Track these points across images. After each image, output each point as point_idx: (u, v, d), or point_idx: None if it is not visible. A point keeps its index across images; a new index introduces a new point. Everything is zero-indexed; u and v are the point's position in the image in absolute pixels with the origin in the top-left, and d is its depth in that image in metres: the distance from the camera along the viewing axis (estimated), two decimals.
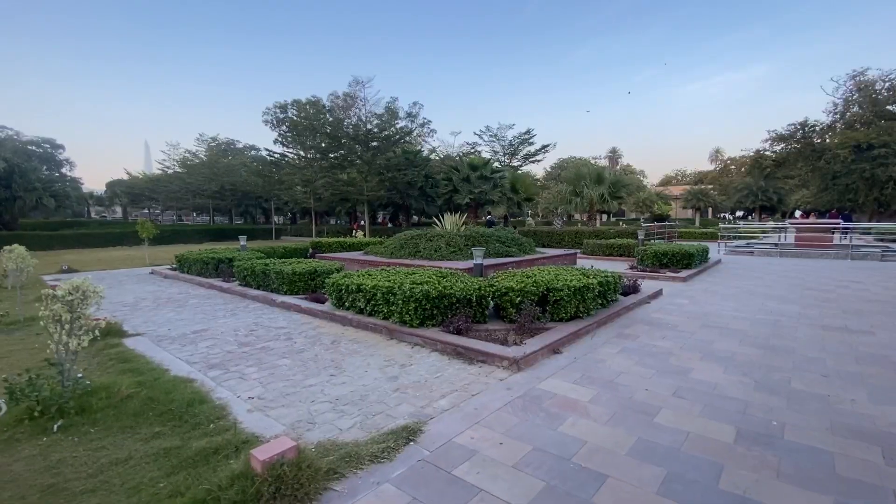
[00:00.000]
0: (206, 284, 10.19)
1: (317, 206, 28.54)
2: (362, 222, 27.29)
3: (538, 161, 35.82)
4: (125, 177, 52.88)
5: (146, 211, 60.71)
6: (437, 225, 13.96)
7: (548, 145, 34.31)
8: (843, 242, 17.41)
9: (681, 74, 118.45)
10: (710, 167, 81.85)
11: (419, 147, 32.66)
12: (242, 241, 13.25)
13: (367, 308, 6.30)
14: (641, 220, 46.68)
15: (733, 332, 5.88)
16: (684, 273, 10.81)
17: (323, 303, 7.33)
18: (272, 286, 8.57)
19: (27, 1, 78.19)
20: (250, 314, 7.34)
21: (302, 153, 26.96)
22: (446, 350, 5.09)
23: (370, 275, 6.79)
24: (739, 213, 58.77)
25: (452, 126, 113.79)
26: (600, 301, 6.54)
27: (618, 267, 12.45)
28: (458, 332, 5.34)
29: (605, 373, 4.39)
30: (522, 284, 5.83)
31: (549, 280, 6.06)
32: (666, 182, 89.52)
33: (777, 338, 5.58)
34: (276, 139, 26.01)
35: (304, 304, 7.40)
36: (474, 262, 7.19)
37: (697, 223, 46.12)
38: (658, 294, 8.53)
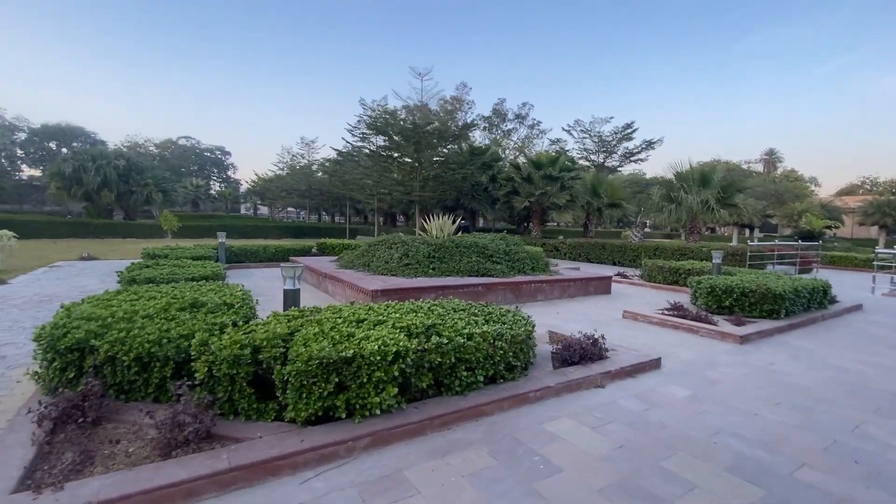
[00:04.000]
0: None
1: (380, 207, 27.74)
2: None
3: (640, 160, 29.80)
4: (255, 178, 60.04)
5: (278, 208, 68.52)
6: (420, 232, 11.26)
7: (653, 141, 28.17)
8: None
9: (878, 65, 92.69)
10: None
11: (490, 142, 29.64)
12: (221, 237, 12.30)
13: None
14: (795, 238, 36.30)
15: None
16: (752, 327, 6.40)
17: None
18: None
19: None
20: None
21: (367, 150, 26.19)
22: None
23: (119, 295, 4.61)
24: None
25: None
26: (408, 385, 3.37)
27: (660, 301, 8.33)
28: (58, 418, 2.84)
29: None
30: (215, 342, 3.06)
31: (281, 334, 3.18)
32: (848, 192, 70.49)
33: None
34: (345, 138, 25.74)
35: None
36: (284, 286, 4.51)
37: (882, 244, 34.11)
38: (648, 367, 4.72)
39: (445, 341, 3.44)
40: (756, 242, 15.81)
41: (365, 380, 3.02)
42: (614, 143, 30.03)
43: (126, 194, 27.76)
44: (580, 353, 4.52)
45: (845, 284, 12.97)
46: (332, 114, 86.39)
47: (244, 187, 75.40)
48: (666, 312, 7.19)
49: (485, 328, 3.75)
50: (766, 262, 14.34)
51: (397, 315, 3.93)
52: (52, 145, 54.19)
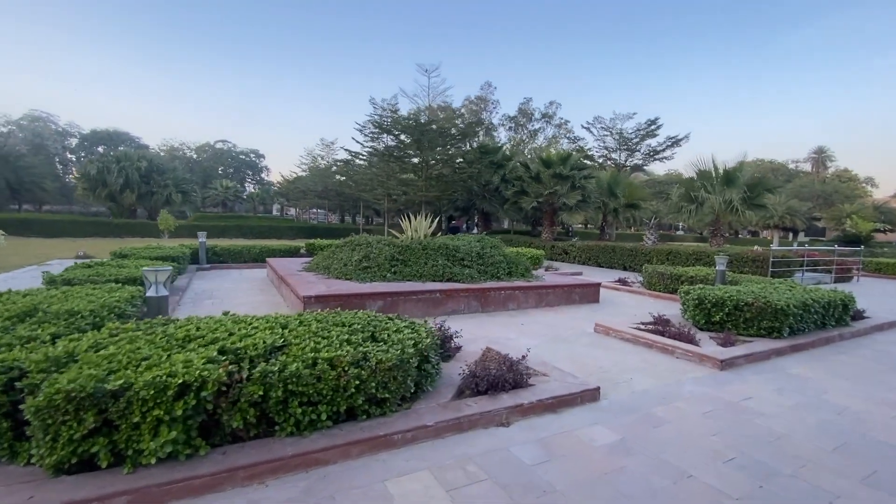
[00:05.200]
0: None
1: (394, 207, 27.29)
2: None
3: (666, 158, 27.89)
4: (281, 180, 61.18)
5: (302, 209, 69.75)
6: (393, 233, 10.60)
7: (679, 138, 26.27)
8: None
9: None
10: None
11: (512, 142, 28.61)
12: (201, 237, 12.06)
13: None
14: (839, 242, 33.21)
15: None
16: (740, 349, 5.34)
17: None
18: None
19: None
20: None
21: (376, 150, 25.79)
22: None
23: None
24: None
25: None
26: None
27: (653, 311, 7.32)
28: None
29: None
30: None
31: None
32: None
33: None
34: (356, 139, 25.46)
35: None
36: (147, 293, 3.91)
37: None
38: (580, 399, 3.85)
39: (274, 369, 2.74)
40: (796, 246, 14.19)
41: (139, 419, 2.36)
42: (636, 140, 28.30)
43: (147, 195, 28.65)
44: (489, 380, 3.69)
45: (888, 296, 11.33)
46: (357, 115, 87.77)
47: (275, 189, 77.42)
48: (643, 327, 6.19)
49: (339, 352, 3.01)
50: (795, 269, 12.79)
51: (246, 331, 3.26)
52: (101, 149, 57.41)
